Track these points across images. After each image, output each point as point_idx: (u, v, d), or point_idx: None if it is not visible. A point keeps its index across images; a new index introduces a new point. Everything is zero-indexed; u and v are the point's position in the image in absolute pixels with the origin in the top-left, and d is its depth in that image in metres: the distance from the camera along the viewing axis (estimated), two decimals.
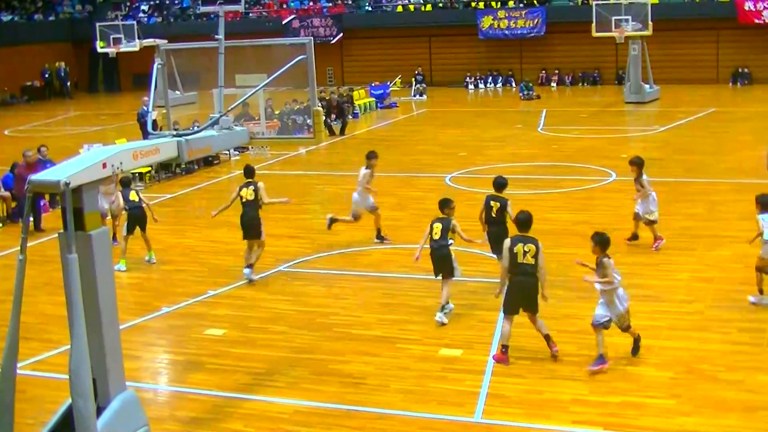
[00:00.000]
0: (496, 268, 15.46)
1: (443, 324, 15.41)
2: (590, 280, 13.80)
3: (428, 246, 15.86)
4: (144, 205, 19.98)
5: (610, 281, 13.49)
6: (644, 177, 19.44)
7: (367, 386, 13.24)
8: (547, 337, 14.06)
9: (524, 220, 14.12)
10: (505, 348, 13.96)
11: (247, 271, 18.40)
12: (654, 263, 18.32)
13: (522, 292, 13.91)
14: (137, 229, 19.85)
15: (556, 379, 13.11)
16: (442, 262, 15.78)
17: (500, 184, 17.42)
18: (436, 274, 15.94)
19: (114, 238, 20.03)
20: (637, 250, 19.18)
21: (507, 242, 14.08)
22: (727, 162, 29.07)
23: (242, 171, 19.33)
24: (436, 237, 15.68)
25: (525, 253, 13.79)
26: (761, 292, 15.99)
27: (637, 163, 19.45)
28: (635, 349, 13.78)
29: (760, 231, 15.98)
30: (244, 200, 18.43)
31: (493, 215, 17.08)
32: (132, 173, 27.68)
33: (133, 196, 19.86)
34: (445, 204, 16.14)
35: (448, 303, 15.82)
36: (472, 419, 12.08)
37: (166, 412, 12.82)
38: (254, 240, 18.53)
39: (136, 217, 19.76)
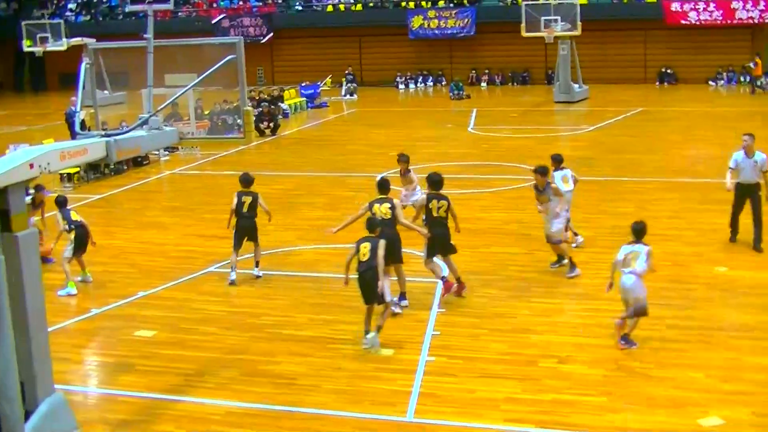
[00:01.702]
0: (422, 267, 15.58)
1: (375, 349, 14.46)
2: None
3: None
4: (85, 223, 18.77)
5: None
6: (411, 172, 21.15)
7: (299, 386, 13.19)
8: (459, 280, 16.41)
9: (437, 181, 16.50)
10: (443, 278, 16.46)
11: (403, 302, 16.21)
12: (585, 261, 18.43)
13: (438, 240, 16.24)
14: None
15: (488, 378, 13.16)
16: (372, 287, 14.44)
17: None
18: (367, 302, 14.59)
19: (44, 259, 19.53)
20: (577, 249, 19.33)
21: (423, 198, 16.78)
22: (656, 161, 29.43)
23: (376, 185, 16.67)
24: (365, 259, 14.47)
25: (438, 208, 16.21)
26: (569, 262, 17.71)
27: (404, 160, 21.05)
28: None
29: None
30: (378, 218, 15.80)
31: None
32: (60, 174, 27.39)
33: (74, 215, 18.65)
34: (376, 225, 14.95)
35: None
36: (404, 419, 12.09)
37: (96, 415, 12.66)
38: (394, 264, 16.05)
39: (83, 237, 18.55)
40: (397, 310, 15.79)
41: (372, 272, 14.38)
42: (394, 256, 15.71)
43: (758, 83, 50.02)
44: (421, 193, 19.76)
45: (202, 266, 19.27)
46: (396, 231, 15.91)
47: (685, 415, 11.74)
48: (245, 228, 18.29)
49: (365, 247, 14.46)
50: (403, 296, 16.26)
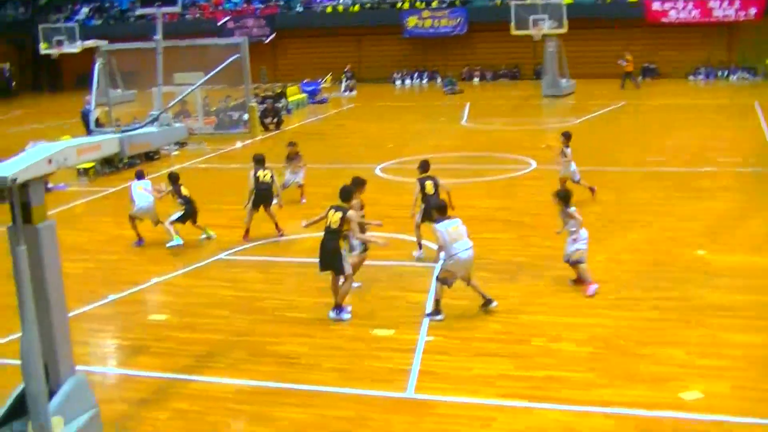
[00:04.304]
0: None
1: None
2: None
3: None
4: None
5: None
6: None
7: (301, 365, 13.27)
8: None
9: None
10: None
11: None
12: None
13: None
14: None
15: (483, 356, 13.24)
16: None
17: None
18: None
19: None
20: (560, 236, 19.37)
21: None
22: (636, 152, 29.45)
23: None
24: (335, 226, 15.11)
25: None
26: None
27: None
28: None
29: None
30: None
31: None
32: (77, 168, 27.47)
33: (184, 190, 20.10)
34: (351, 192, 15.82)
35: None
36: (404, 395, 12.17)
37: (115, 394, 12.74)
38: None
39: (191, 212, 20.17)
40: None
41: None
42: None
43: (635, 80, 50.67)
44: None
45: (211, 254, 19.34)
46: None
47: (664, 389, 11.82)
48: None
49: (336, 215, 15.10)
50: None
